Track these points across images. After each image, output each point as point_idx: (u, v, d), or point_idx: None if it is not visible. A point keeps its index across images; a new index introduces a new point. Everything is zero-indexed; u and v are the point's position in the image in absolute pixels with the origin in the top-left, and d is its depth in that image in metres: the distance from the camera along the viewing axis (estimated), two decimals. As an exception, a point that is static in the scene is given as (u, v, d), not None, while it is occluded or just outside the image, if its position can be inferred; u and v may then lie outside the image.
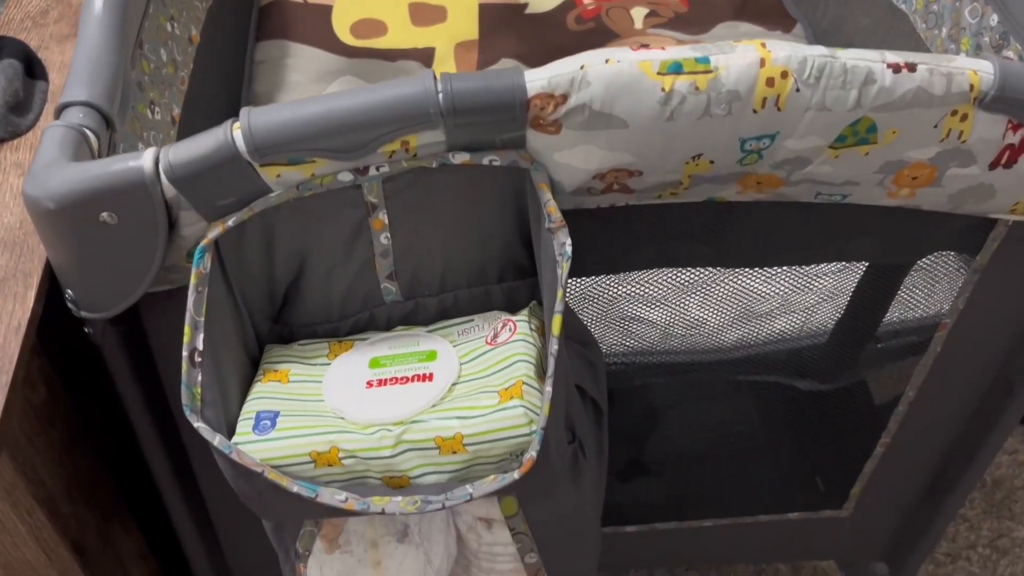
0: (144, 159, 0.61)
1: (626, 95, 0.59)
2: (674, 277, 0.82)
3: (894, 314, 0.90)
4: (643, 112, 0.59)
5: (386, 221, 0.67)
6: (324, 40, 1.28)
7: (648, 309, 0.86)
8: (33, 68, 0.87)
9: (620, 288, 0.82)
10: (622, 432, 0.96)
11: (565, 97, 0.59)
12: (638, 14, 1.34)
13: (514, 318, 0.69)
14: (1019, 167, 0.67)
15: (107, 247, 0.64)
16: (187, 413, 0.62)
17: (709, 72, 0.59)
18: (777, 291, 0.83)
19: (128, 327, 0.73)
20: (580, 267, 0.78)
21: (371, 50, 1.27)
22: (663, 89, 0.59)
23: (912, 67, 0.61)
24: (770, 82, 0.59)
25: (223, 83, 1.17)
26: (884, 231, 0.76)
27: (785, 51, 0.59)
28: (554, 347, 0.61)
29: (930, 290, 0.86)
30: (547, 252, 0.64)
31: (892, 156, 0.65)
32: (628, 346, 0.88)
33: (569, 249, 0.62)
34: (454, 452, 0.63)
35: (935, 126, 0.63)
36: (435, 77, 0.59)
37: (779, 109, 0.60)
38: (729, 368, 0.91)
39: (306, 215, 0.65)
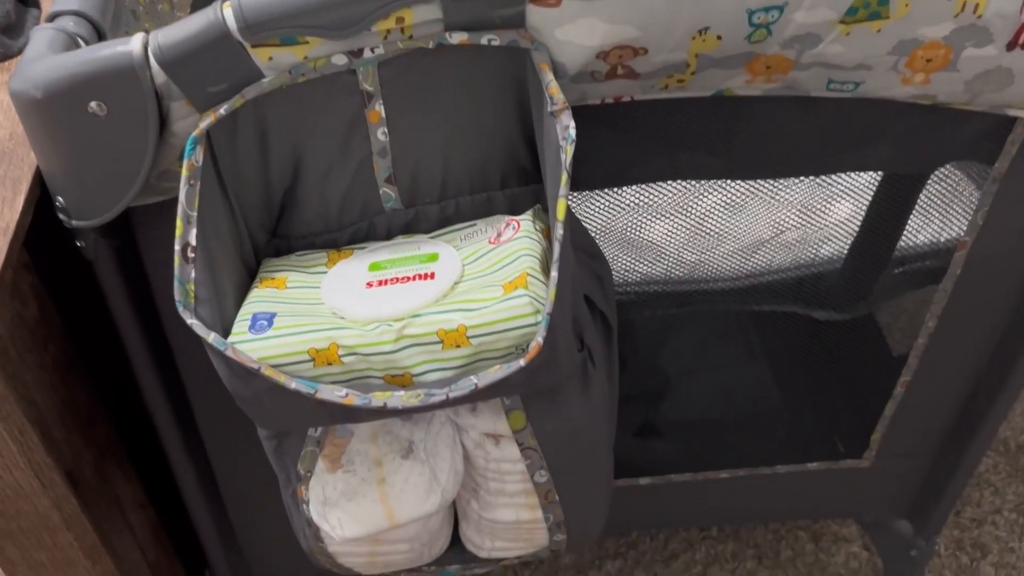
0: (133, 43, 0.59)
1: (629, -46, 0.57)
2: (688, 199, 0.79)
3: (910, 239, 0.87)
4: None
5: (383, 113, 0.64)
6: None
7: (661, 235, 0.83)
8: (24, -5, 0.86)
9: (631, 214, 0.80)
10: (637, 382, 0.94)
11: (566, -39, 0.57)
12: None
13: (518, 218, 0.67)
14: (1038, 48, 0.65)
15: (97, 142, 0.62)
16: (180, 310, 0.60)
17: (714, -68, 0.57)
18: (790, 210, 0.81)
19: (121, 243, 0.71)
20: (586, 179, 0.76)
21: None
22: None
23: (924, -69, 0.59)
24: (777, -54, 0.57)
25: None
26: (898, 137, 0.74)
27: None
28: (559, 232, 0.59)
29: (946, 208, 0.83)
30: (550, 139, 0.62)
31: (905, 34, 0.63)
32: (641, 274, 0.86)
33: (573, 132, 0.60)
34: (458, 346, 0.61)
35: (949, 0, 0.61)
36: (431, -51, 0.58)
37: (786, -26, 0.58)
38: (743, 297, 0.88)
39: (300, 106, 0.63)
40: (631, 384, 0.85)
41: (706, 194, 0.80)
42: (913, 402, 0.99)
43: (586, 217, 0.80)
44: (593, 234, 0.80)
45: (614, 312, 0.75)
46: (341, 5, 0.58)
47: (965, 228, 0.82)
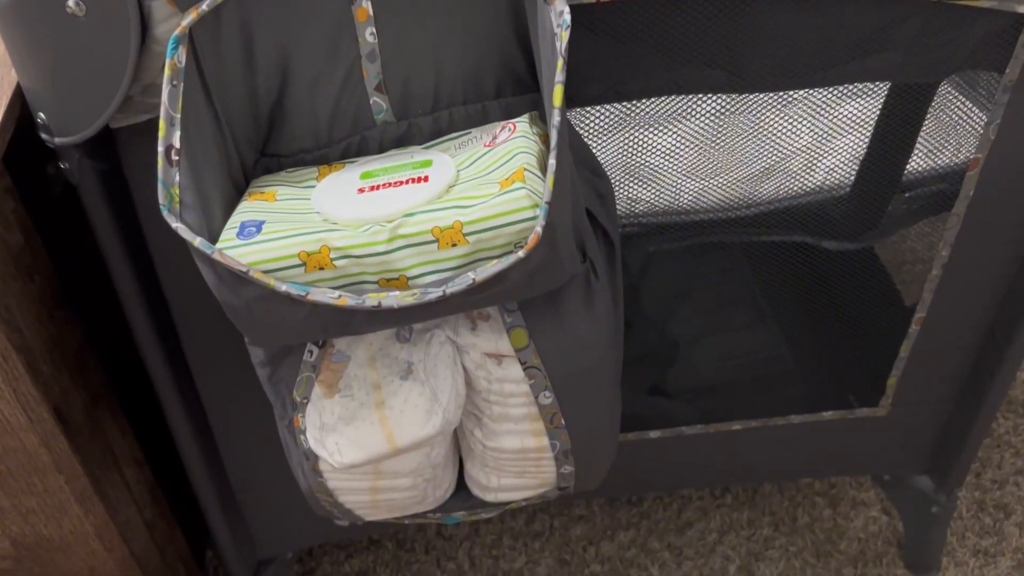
0: (111, -63, 0.57)
1: None
2: (689, 117, 0.77)
3: (919, 162, 0.84)
4: None
5: (371, 11, 0.62)
6: None
7: (662, 159, 0.81)
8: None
9: (633, 133, 0.78)
10: (648, 336, 0.91)
11: None
12: None
13: (514, 120, 0.65)
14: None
15: (77, 47, 0.60)
16: (164, 213, 0.57)
17: None
18: (796, 134, 0.78)
19: (106, 166, 0.69)
20: (586, 94, 0.74)
21: None
22: None
23: None
24: None
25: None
26: (905, 43, 0.72)
27: None
28: (556, 119, 0.56)
29: (955, 128, 0.81)
30: (544, 29, 0.60)
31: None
32: (643, 202, 0.83)
33: (568, 17, 0.58)
34: (454, 244, 0.58)
35: None
36: None
37: None
38: (750, 226, 0.86)
39: (285, 4, 0.61)
40: (640, 339, 0.83)
41: (708, 108, 0.77)
42: (929, 341, 0.96)
43: (585, 138, 0.78)
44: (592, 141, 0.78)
45: (617, 230, 0.72)
46: None
47: (976, 146, 0.80)
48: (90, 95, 0.62)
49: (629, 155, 0.80)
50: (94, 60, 0.61)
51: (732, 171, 0.82)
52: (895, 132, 0.82)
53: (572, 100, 0.74)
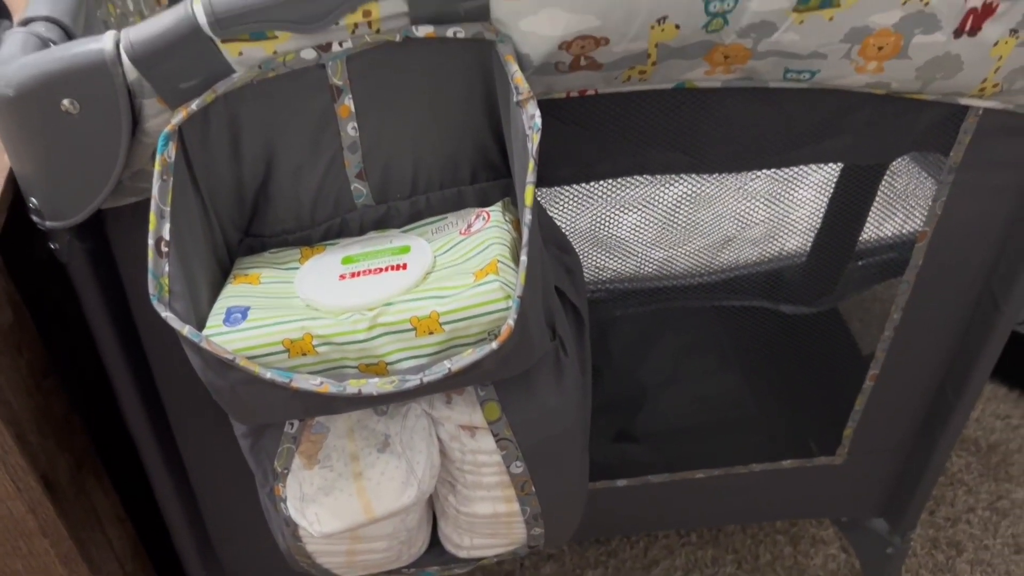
0: (105, 40, 0.60)
1: (588, -49, 0.59)
2: (654, 195, 0.81)
3: (871, 231, 0.89)
4: None
5: (352, 108, 0.66)
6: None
7: (628, 231, 0.85)
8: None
9: (601, 208, 0.82)
10: (612, 385, 0.95)
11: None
12: None
13: (487, 209, 0.68)
14: (984, 35, 0.67)
15: (70, 141, 0.63)
16: (154, 303, 0.60)
17: (670, -72, 0.59)
18: (753, 208, 0.83)
19: (95, 245, 0.72)
20: (554, 176, 0.78)
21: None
22: None
23: (869, -79, 0.61)
24: (730, -64, 0.59)
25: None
26: (857, 128, 0.76)
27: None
28: (527, 217, 0.60)
29: (905, 201, 0.86)
30: (517, 128, 0.63)
31: (857, 21, 0.65)
32: (610, 271, 0.87)
33: (539, 120, 0.61)
34: (430, 333, 0.62)
35: (897, -15, 0.63)
36: (396, -58, 0.59)
37: (742, -36, 0.60)
38: (711, 293, 0.90)
39: (271, 102, 0.64)
40: (607, 388, 0.86)
41: (672, 186, 0.81)
42: (882, 396, 1.00)
43: (554, 214, 0.82)
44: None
45: (585, 304, 0.76)
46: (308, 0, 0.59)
47: (924, 219, 0.85)
48: (81, 184, 0.65)
49: (595, 228, 0.83)
50: (86, 152, 0.64)
51: (694, 241, 0.86)
52: (849, 205, 0.86)
53: (541, 181, 0.78)
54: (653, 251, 0.86)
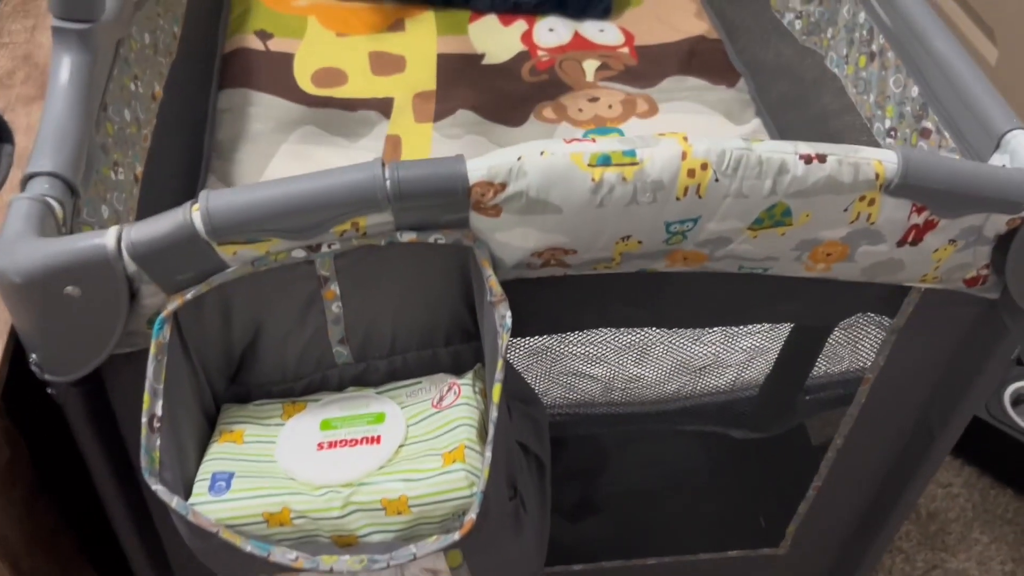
0: (107, 237, 0.65)
1: (560, 184, 0.64)
2: (614, 338, 0.86)
3: (820, 368, 0.95)
4: (575, 199, 0.64)
5: (337, 292, 0.71)
6: (286, 89, 1.32)
7: (590, 366, 0.91)
8: (-1, 130, 0.91)
9: (564, 347, 0.87)
10: (569, 472, 1.01)
11: (504, 185, 0.64)
12: (590, 67, 1.39)
13: (459, 381, 0.74)
14: (925, 244, 0.73)
15: (71, 317, 0.67)
16: (146, 476, 0.65)
17: (635, 164, 0.64)
18: (710, 350, 0.89)
19: (91, 387, 0.76)
20: (525, 328, 0.83)
21: (331, 99, 1.31)
22: (593, 179, 0.64)
23: (823, 158, 0.66)
24: (691, 173, 0.64)
25: (187, 133, 1.20)
26: (807, 297, 0.82)
27: (705, 144, 0.64)
28: (493, 414, 0.65)
29: (853, 347, 0.92)
30: (489, 322, 0.68)
31: (807, 235, 0.70)
32: (572, 398, 0.93)
33: (509, 321, 0.67)
34: (399, 513, 0.67)
35: (845, 210, 0.69)
36: (383, 164, 0.64)
37: (700, 197, 0.65)
38: (667, 419, 0.96)
39: (261, 287, 0.69)
40: (563, 468, 0.93)
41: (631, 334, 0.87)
42: (823, 504, 1.08)
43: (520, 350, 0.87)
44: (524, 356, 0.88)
45: (548, 451, 0.82)
46: (302, 213, 0.64)
47: (869, 365, 0.91)
48: (79, 349, 0.70)
49: (555, 366, 0.89)
50: (85, 325, 0.68)
51: (651, 378, 0.92)
52: (798, 351, 0.92)
53: (513, 331, 0.83)
54: (612, 383, 0.92)
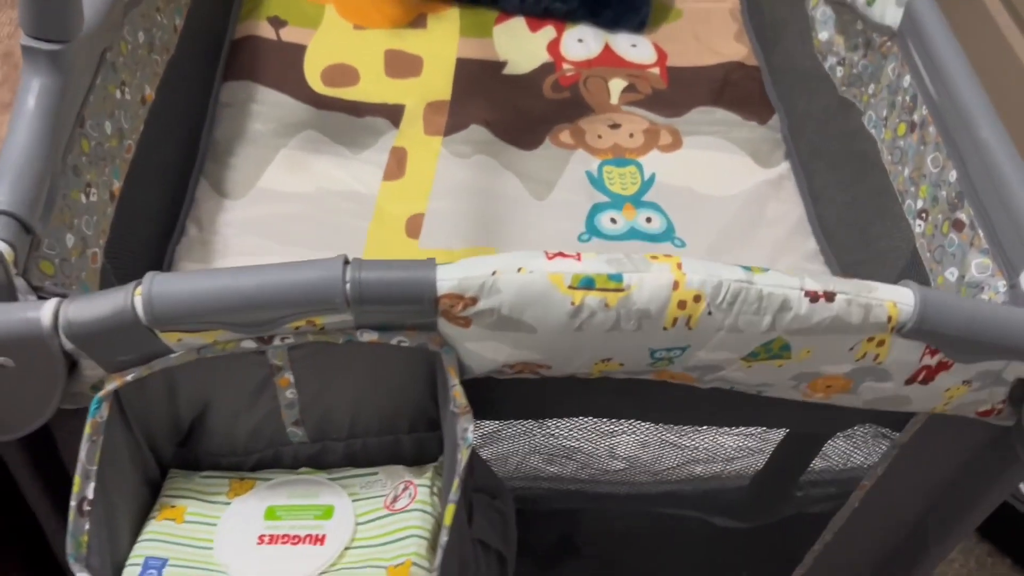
0: (43, 311, 0.60)
1: (535, 305, 0.58)
2: (595, 423, 0.81)
3: (814, 466, 0.90)
4: (552, 322, 0.59)
5: (292, 380, 0.66)
6: (293, 85, 1.25)
7: (571, 442, 0.86)
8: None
9: (538, 427, 0.82)
10: (542, 544, 0.97)
11: (475, 299, 0.58)
12: (616, 87, 1.32)
13: (416, 481, 0.69)
14: (936, 384, 0.67)
15: (5, 384, 0.63)
16: (71, 563, 0.61)
17: (621, 291, 0.58)
18: (698, 444, 0.83)
19: (35, 438, 0.72)
20: (499, 413, 0.78)
21: (339, 101, 1.25)
22: (573, 303, 0.58)
23: (830, 296, 0.60)
24: (682, 304, 0.58)
25: (183, 132, 1.15)
26: (804, 410, 0.76)
27: (700, 274, 0.58)
28: (443, 538, 0.61)
29: (851, 452, 0.86)
30: (450, 431, 0.63)
31: (806, 369, 0.64)
32: (549, 473, 0.88)
33: (471, 436, 0.62)
34: (335, 624, 0.63)
35: (850, 349, 0.63)
36: (346, 262, 0.58)
37: (690, 328, 0.59)
38: (647, 501, 0.91)
39: (209, 370, 0.64)
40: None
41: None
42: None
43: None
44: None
45: (513, 544, 0.77)
46: (252, 310, 0.58)
47: (867, 468, 0.85)
48: (16, 416, 0.65)
49: (529, 440, 0.84)
50: (20, 395, 0.64)
51: (637, 459, 0.87)
52: (793, 452, 0.86)
53: (488, 415, 0.78)
54: (592, 462, 0.87)
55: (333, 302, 0.58)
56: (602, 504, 0.90)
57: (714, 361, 0.63)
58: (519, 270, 0.58)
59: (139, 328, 0.59)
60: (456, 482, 0.61)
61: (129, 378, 0.62)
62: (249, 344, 0.61)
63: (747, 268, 0.60)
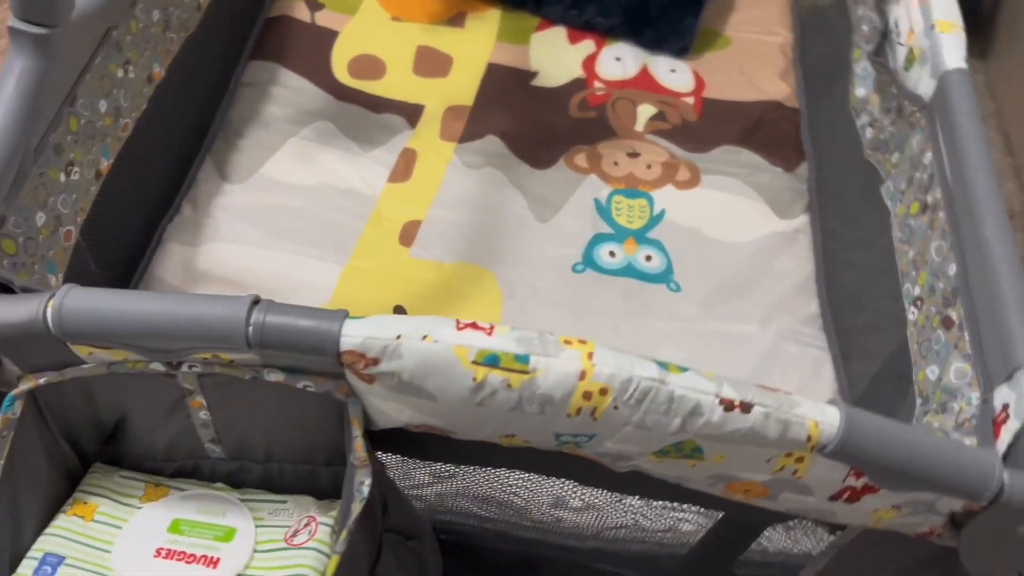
0: (-39, 309, 0.60)
1: (437, 375, 0.56)
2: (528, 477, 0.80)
3: (757, 544, 0.87)
4: (452, 394, 0.57)
5: (204, 403, 0.66)
6: (317, 72, 1.25)
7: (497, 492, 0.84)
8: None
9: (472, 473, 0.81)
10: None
11: (376, 360, 0.57)
12: (644, 112, 1.28)
13: (320, 519, 0.68)
14: (862, 504, 0.64)
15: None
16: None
17: (525, 373, 0.56)
18: (631, 514, 0.81)
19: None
20: (419, 453, 0.77)
21: (360, 94, 1.24)
22: (475, 379, 0.56)
23: (747, 407, 0.57)
24: (587, 395, 0.56)
25: (197, 106, 1.15)
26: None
27: (610, 367, 0.56)
28: (326, 591, 0.60)
29: (792, 541, 0.83)
30: (350, 480, 0.63)
31: (723, 472, 0.62)
32: (484, 514, 0.87)
33: (366, 490, 0.61)
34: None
35: (767, 461, 0.60)
36: (256, 302, 0.58)
37: (595, 419, 0.57)
38: (584, 555, 0.89)
39: (122, 384, 0.64)
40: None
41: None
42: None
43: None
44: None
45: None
46: (157, 337, 0.58)
47: (808, 560, 0.82)
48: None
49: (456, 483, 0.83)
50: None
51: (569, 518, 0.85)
52: (731, 533, 0.84)
53: (411, 453, 0.77)
54: (528, 511, 0.86)
55: (234, 341, 0.57)
56: (540, 551, 0.89)
57: (623, 452, 0.61)
58: (425, 337, 0.56)
59: (49, 338, 0.59)
60: (344, 533, 0.60)
61: (42, 382, 0.62)
62: (158, 367, 0.61)
63: (663, 365, 0.57)
